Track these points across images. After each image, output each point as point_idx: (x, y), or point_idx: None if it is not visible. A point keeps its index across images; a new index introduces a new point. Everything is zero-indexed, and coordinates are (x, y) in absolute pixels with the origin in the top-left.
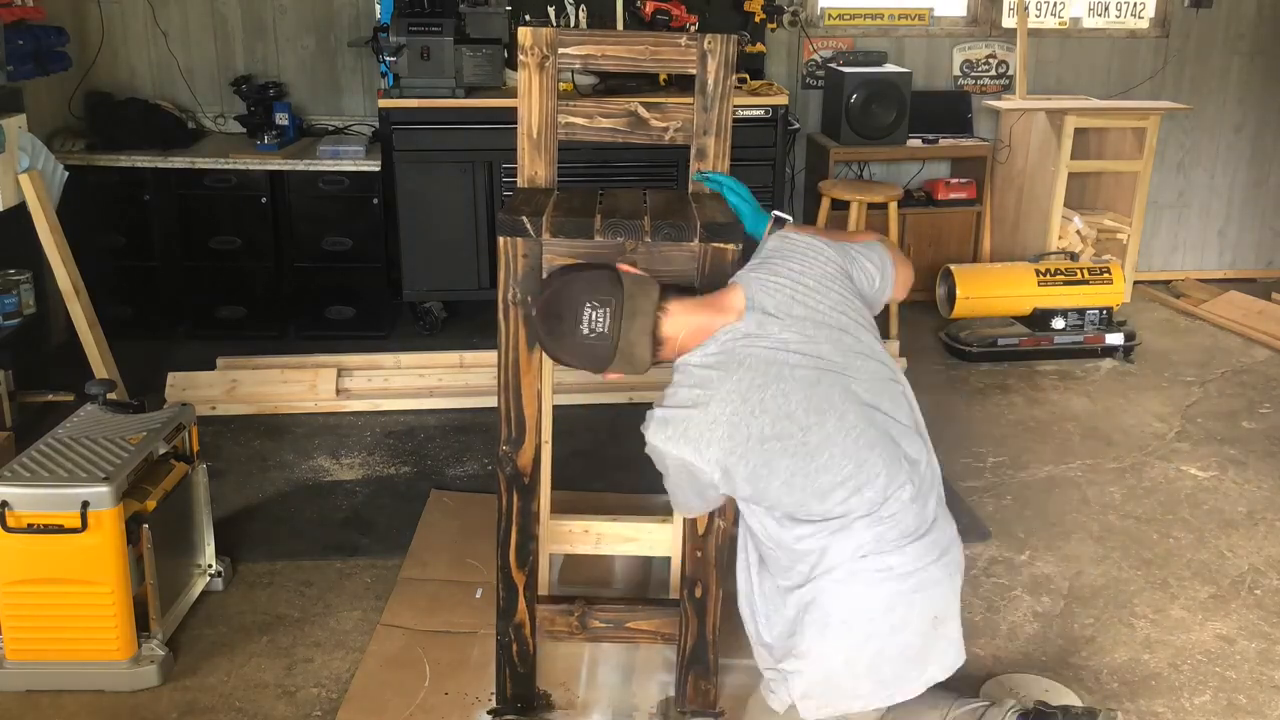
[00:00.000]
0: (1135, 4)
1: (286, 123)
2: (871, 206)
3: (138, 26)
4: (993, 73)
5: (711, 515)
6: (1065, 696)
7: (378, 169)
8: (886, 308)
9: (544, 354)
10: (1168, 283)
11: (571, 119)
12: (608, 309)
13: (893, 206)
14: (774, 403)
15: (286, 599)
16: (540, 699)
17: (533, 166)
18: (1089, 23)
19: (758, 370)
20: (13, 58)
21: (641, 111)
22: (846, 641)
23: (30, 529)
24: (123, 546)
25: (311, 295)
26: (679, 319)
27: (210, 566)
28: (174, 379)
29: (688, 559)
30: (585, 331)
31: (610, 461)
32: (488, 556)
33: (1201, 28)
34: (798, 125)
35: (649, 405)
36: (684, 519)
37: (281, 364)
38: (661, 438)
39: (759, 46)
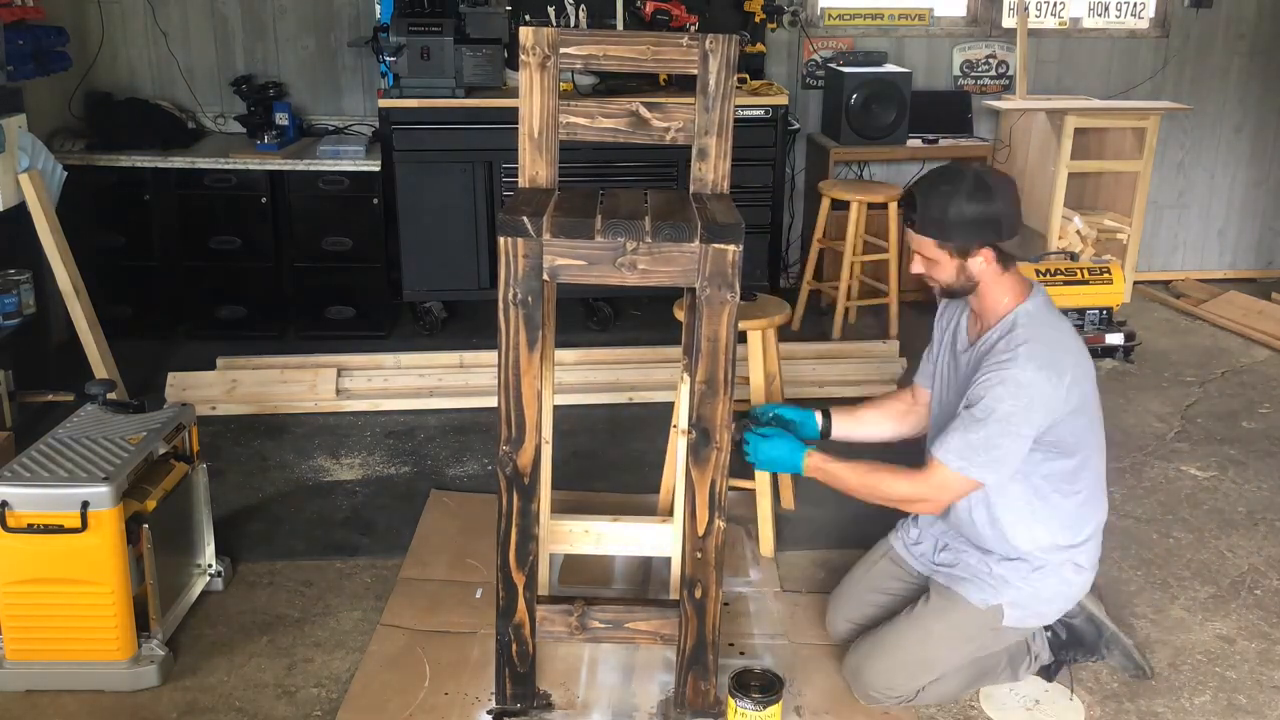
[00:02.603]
0: (1135, 4)
1: (286, 123)
2: (871, 206)
3: (138, 26)
4: (993, 73)
5: (712, 516)
6: (1066, 696)
7: (378, 169)
8: (886, 309)
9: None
10: (1168, 283)
11: (573, 119)
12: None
13: (893, 207)
14: (1083, 355)
15: (286, 599)
16: (540, 699)
17: (534, 166)
18: (1089, 23)
19: (1066, 331)
20: (13, 58)
21: (643, 111)
22: (1081, 580)
23: (30, 529)
24: (123, 546)
25: (311, 295)
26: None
27: (210, 566)
28: (174, 379)
29: (688, 559)
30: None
31: (610, 461)
32: (488, 556)
33: (1201, 28)
34: (798, 125)
35: (649, 405)
36: (684, 520)
37: (281, 364)
38: (1033, 368)
39: (759, 46)
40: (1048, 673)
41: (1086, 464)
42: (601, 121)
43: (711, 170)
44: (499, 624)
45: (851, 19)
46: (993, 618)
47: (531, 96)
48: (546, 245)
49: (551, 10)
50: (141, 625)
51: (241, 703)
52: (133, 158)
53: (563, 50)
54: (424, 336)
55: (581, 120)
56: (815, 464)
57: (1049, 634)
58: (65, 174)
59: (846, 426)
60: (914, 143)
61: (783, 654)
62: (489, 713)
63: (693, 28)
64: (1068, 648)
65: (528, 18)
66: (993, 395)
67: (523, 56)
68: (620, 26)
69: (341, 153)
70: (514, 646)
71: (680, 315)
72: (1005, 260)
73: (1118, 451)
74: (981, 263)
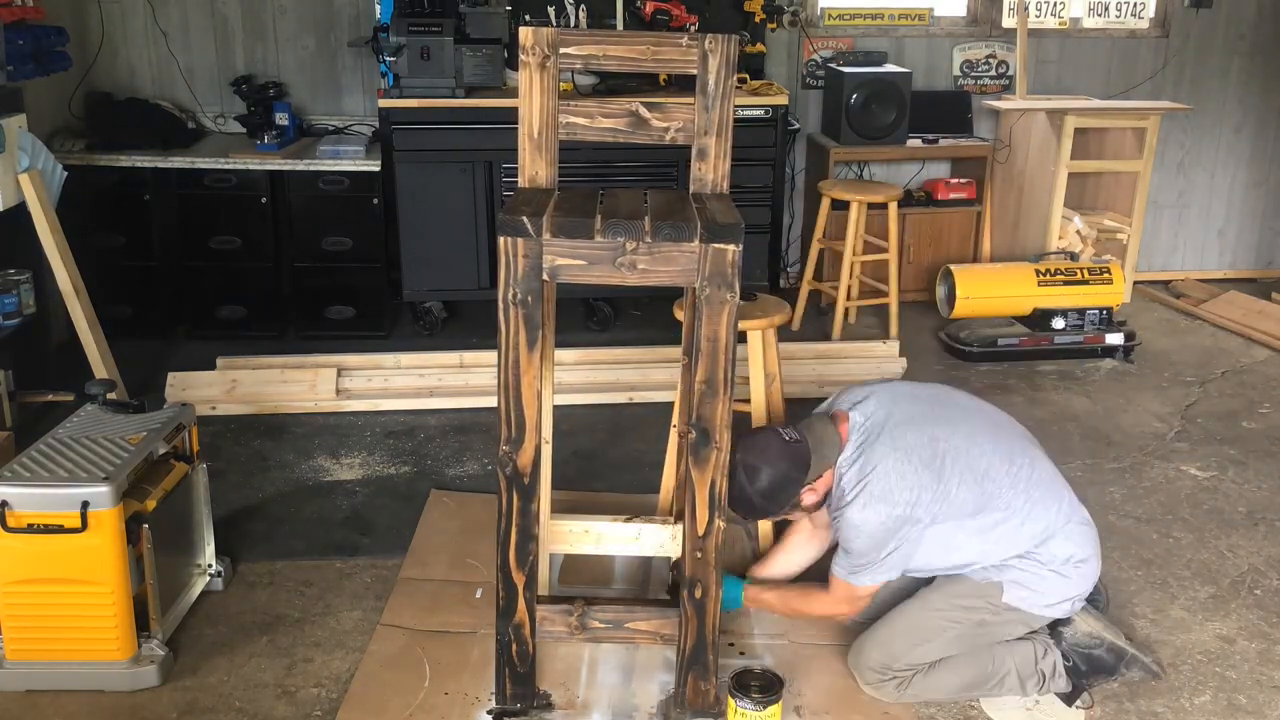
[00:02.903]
0: (1135, 4)
1: (286, 123)
2: (871, 206)
3: (138, 26)
4: (993, 73)
5: (712, 516)
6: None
7: (378, 169)
8: (887, 309)
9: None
10: (1168, 283)
11: (573, 119)
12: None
13: (893, 206)
14: (913, 437)
15: (286, 599)
16: (540, 699)
17: (534, 166)
18: (1089, 23)
19: (888, 433)
20: (13, 58)
21: (643, 111)
22: (1076, 574)
23: (30, 529)
24: (123, 546)
25: (311, 295)
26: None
27: (210, 566)
28: (174, 379)
29: (688, 560)
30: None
31: (610, 461)
32: (488, 556)
33: (1201, 28)
34: (798, 125)
35: (649, 405)
36: (684, 521)
37: (281, 364)
38: (858, 508)
39: (759, 46)
40: (1069, 699)
41: (992, 513)
42: (601, 121)
43: (711, 170)
44: (499, 624)
45: (851, 19)
46: (992, 592)
47: (531, 96)
48: (546, 245)
49: (551, 10)
50: (141, 625)
51: (241, 703)
52: (133, 158)
53: (563, 50)
54: (424, 336)
55: (581, 120)
56: (751, 596)
57: (1068, 663)
58: (65, 174)
59: (771, 573)
60: (914, 143)
61: (783, 654)
62: (489, 713)
63: (693, 28)
64: (1087, 676)
65: (528, 18)
66: (845, 536)
67: (522, 56)
68: (620, 26)
69: (341, 153)
70: (514, 646)
71: (680, 315)
72: (814, 470)
73: (1118, 451)
74: (811, 495)
